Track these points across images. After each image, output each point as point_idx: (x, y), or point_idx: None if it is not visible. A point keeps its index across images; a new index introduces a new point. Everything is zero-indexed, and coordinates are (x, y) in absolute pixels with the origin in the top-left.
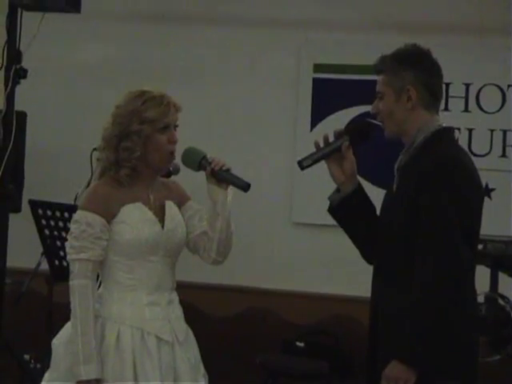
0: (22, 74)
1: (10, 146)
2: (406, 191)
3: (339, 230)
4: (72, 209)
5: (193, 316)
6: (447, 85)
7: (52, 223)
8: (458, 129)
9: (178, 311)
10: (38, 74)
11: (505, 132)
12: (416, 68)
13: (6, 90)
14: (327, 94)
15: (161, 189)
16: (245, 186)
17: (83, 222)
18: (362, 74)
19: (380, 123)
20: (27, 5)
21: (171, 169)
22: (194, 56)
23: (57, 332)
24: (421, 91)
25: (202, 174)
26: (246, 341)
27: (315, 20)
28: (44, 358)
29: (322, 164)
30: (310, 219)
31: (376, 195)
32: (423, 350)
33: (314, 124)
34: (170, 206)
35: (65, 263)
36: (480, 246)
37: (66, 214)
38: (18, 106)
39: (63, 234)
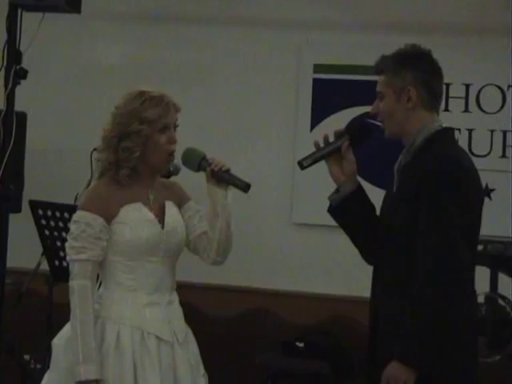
0: (22, 74)
1: (10, 146)
2: (406, 192)
3: (339, 230)
4: (72, 209)
5: (193, 316)
6: (447, 85)
7: (52, 223)
8: (458, 129)
9: (178, 311)
10: (38, 75)
11: (505, 132)
12: (416, 68)
13: (6, 90)
14: (327, 95)
15: (161, 189)
16: (244, 187)
17: (83, 222)
18: (362, 74)
19: (380, 123)
20: (27, 5)
21: (171, 169)
22: (195, 56)
23: (57, 332)
24: (421, 92)
25: (202, 175)
26: (245, 341)
27: (315, 21)
28: (44, 358)
29: (323, 164)
30: (310, 220)
31: (376, 195)
32: (422, 350)
33: (314, 124)
34: (170, 207)
35: (65, 263)
36: (480, 247)
37: (66, 215)
38: (18, 107)
39: (63, 234)
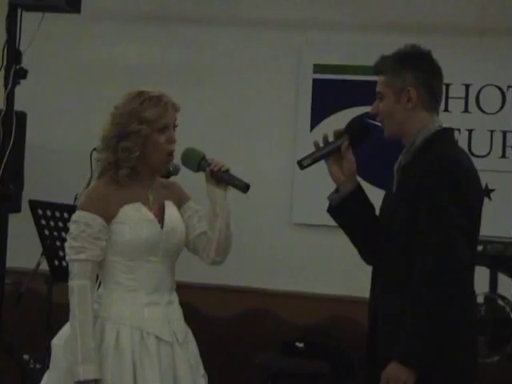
0: (21, 74)
1: (10, 146)
2: (406, 192)
3: (339, 230)
4: (72, 209)
5: (192, 316)
6: (447, 86)
7: (52, 223)
8: (458, 129)
9: (177, 311)
10: (37, 75)
11: (504, 133)
12: (416, 69)
13: (5, 90)
14: (327, 95)
15: (160, 189)
16: (244, 187)
17: (82, 222)
18: (361, 74)
19: (379, 123)
20: (27, 5)
21: (171, 169)
22: (194, 56)
23: (56, 332)
24: (421, 92)
25: (201, 175)
26: (245, 341)
27: (315, 21)
28: (43, 358)
29: (322, 165)
30: (310, 220)
31: (375, 196)
32: (422, 350)
33: (313, 124)
34: (170, 207)
35: (64, 263)
36: (479, 247)
37: (66, 215)
38: (17, 106)
39: (63, 234)
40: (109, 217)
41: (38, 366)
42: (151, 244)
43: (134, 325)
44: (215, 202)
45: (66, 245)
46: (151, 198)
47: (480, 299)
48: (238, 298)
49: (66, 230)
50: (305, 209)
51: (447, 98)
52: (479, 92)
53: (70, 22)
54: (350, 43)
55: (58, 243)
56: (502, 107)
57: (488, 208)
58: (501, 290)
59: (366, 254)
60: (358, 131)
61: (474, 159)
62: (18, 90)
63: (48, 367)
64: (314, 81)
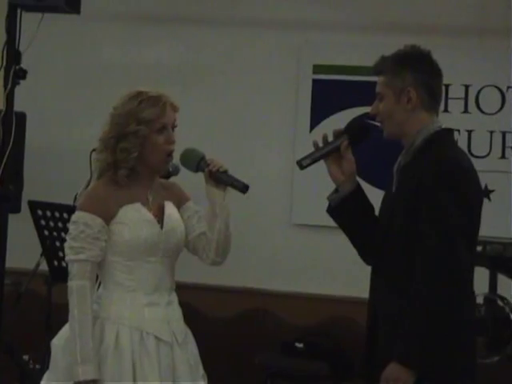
0: (21, 74)
1: (10, 146)
2: (406, 192)
3: (339, 231)
4: (71, 209)
5: (192, 317)
6: (447, 86)
7: (51, 224)
8: (458, 130)
9: (177, 312)
10: (37, 75)
11: (504, 133)
12: (416, 69)
13: (5, 90)
14: (327, 95)
15: (160, 189)
16: (242, 188)
17: (81, 222)
18: (361, 75)
19: (379, 124)
20: (27, 5)
21: (171, 169)
22: (194, 57)
23: (56, 332)
24: (421, 93)
25: (201, 175)
26: (245, 342)
27: (315, 21)
28: (43, 358)
29: (322, 165)
30: (309, 220)
31: (375, 196)
32: (422, 351)
33: (313, 125)
34: (169, 207)
35: (64, 264)
36: (479, 248)
37: (66, 215)
38: (17, 107)
39: (62, 234)
40: (108, 217)
41: (37, 366)
42: (151, 244)
43: (133, 325)
44: (214, 202)
45: (66, 245)
46: (151, 199)
47: (479, 300)
48: (237, 298)
49: (66, 230)
50: (304, 209)
51: (447, 98)
52: (479, 93)
53: (69, 23)
54: (349, 44)
55: (58, 243)
56: (501, 108)
57: (487, 209)
58: (500, 291)
59: (366, 255)
60: (357, 131)
61: (473, 160)
62: (17, 90)
63: (48, 367)
64: (314, 81)
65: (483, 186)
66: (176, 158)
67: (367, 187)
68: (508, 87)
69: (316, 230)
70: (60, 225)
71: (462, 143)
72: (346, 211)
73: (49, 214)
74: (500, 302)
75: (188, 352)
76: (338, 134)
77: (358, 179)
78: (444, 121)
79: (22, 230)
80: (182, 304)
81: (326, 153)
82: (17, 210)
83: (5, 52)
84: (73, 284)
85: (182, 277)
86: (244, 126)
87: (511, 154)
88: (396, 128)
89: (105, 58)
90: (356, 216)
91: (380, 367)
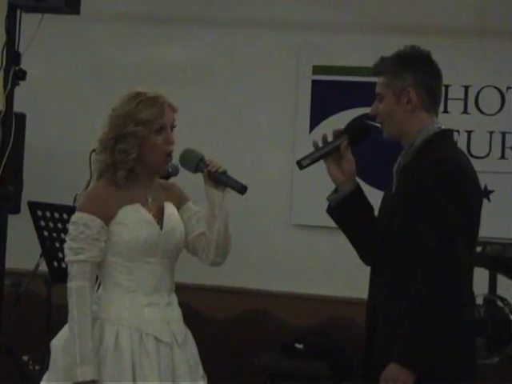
0: (21, 75)
1: (9, 147)
2: (405, 193)
3: (339, 231)
4: (71, 210)
5: (192, 317)
6: (446, 87)
7: (51, 225)
8: (457, 131)
9: (177, 313)
10: (37, 76)
11: (504, 134)
12: (416, 70)
13: (5, 91)
14: (326, 96)
15: (159, 190)
16: (241, 189)
17: (81, 223)
18: (361, 75)
19: (378, 125)
20: (27, 6)
21: (170, 170)
22: (193, 58)
23: (55, 333)
24: (421, 93)
25: (200, 176)
26: (244, 342)
27: (314, 22)
28: (43, 359)
29: (322, 166)
30: (309, 221)
31: (374, 197)
32: (421, 351)
33: (313, 126)
34: (169, 208)
35: (63, 265)
36: (479, 248)
37: (65, 216)
38: (16, 108)
39: (62, 235)
40: (108, 218)
41: (37, 367)
42: (150, 245)
43: (133, 326)
44: (213, 203)
45: (65, 246)
46: (150, 199)
47: (479, 300)
48: (237, 299)
49: (65, 231)
50: (304, 210)
51: (446, 99)
52: (478, 93)
53: (69, 24)
54: (349, 44)
55: (57, 244)
56: (501, 108)
57: (487, 209)
58: (500, 292)
59: (365, 255)
60: (357, 131)
61: (473, 160)
62: (17, 91)
63: (47, 368)
64: (313, 82)
65: (483, 187)
66: (175, 159)
67: (367, 188)
68: (508, 88)
69: (316, 230)
70: (60, 225)
71: (462, 144)
72: (346, 211)
73: (48, 214)
74: (500, 303)
75: (188, 353)
76: (337, 134)
77: (358, 180)
78: (444, 121)
79: (21, 231)
80: (181, 304)
81: (325, 153)
82: (16, 210)
83: (4, 53)
84: (72, 285)
85: (182, 277)
86: (244, 127)
87: (511, 155)
88: (396, 128)
89: (104, 58)
90: (355, 216)
91: (379, 367)
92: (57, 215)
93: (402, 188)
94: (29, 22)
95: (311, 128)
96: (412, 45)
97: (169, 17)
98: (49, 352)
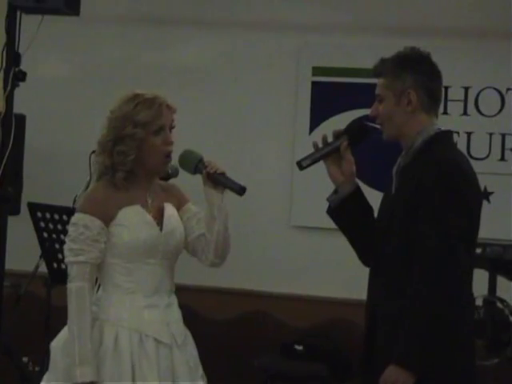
0: (20, 76)
1: (9, 148)
2: (405, 194)
3: (338, 233)
4: (71, 211)
5: (191, 319)
6: (446, 88)
7: (51, 226)
8: (457, 132)
9: (176, 314)
10: (36, 77)
11: (503, 135)
12: (417, 71)
13: (4, 92)
14: (326, 97)
15: (159, 191)
16: (240, 190)
17: (81, 224)
18: (360, 77)
19: (378, 126)
20: (26, 7)
21: (170, 171)
22: (193, 59)
23: (55, 335)
24: (421, 95)
25: (200, 177)
26: (244, 344)
27: (314, 23)
28: (42, 360)
29: (322, 168)
30: (308, 222)
31: (374, 198)
32: (421, 353)
33: (312, 127)
34: (169, 209)
35: (63, 266)
36: (478, 250)
37: (65, 217)
38: (16, 109)
39: (62, 236)
40: (107, 219)
41: (36, 368)
42: (150, 246)
43: (132, 327)
44: (213, 204)
45: (65, 247)
46: (150, 201)
47: (479, 302)
48: (236, 300)
49: (65, 232)
50: (303, 211)
51: (446, 100)
52: (478, 95)
53: (69, 25)
54: (348, 46)
55: (57, 246)
56: (500, 110)
57: (487, 211)
58: (500, 293)
59: (365, 256)
60: (357, 131)
61: (472, 162)
62: (17, 92)
63: (47, 369)
64: (313, 83)
65: (482, 188)
66: (175, 160)
67: (366, 189)
68: (507, 89)
69: (315, 231)
70: (59, 227)
71: (462, 145)
72: (346, 212)
73: (48, 216)
74: (499, 304)
75: (187, 354)
76: (337, 135)
77: (357, 181)
78: (443, 123)
79: (21, 232)
80: (181, 306)
81: (325, 153)
82: (16, 211)
83: (4, 54)
84: (72, 286)
85: (182, 279)
86: (243, 128)
87: (511, 156)
88: (395, 130)
89: (104, 59)
90: (355, 217)
91: (379, 368)
92: (56, 216)
93: (401, 189)
94: (29, 23)
95: (311, 129)
96: (412, 46)
97: (169, 18)
98: (48, 353)
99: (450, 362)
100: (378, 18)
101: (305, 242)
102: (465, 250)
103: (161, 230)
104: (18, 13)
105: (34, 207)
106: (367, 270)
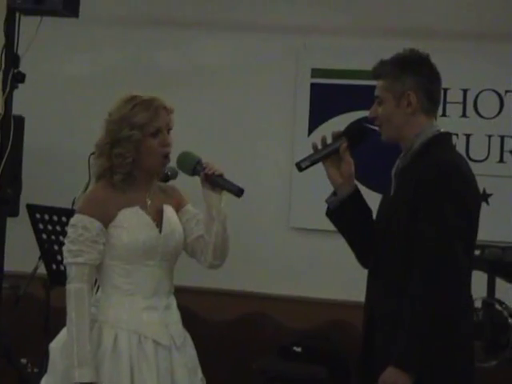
0: (19, 78)
1: (8, 150)
2: (404, 196)
3: (337, 235)
4: (69, 213)
5: (190, 320)
6: (445, 90)
7: (49, 227)
8: (456, 134)
9: (175, 315)
10: (35, 79)
11: (502, 137)
12: (417, 73)
13: (3, 94)
14: (325, 99)
15: (158, 193)
16: (237, 192)
17: (80, 225)
18: (359, 79)
19: (377, 128)
20: (25, 9)
21: (169, 173)
22: (192, 61)
23: (54, 336)
24: (421, 96)
25: (199, 178)
26: (243, 345)
27: (313, 25)
28: (41, 362)
29: (320, 170)
30: (307, 224)
31: (372, 200)
32: (419, 356)
33: (311, 129)
34: (168, 210)
35: (62, 267)
36: (477, 252)
37: (64, 219)
38: (15, 111)
39: (60, 238)
40: (107, 220)
41: (35, 370)
42: (149, 248)
43: (131, 329)
44: (211, 205)
45: (64, 248)
46: (149, 202)
47: (478, 304)
48: (235, 302)
49: (64, 234)
50: (302, 213)
51: (445, 102)
52: (477, 97)
53: (68, 27)
54: (348, 47)
55: (56, 247)
56: (499, 112)
57: (486, 213)
58: (498, 295)
59: (363, 258)
60: (356, 133)
61: (471, 164)
62: (15, 93)
63: (46, 371)
64: (312, 85)
65: (481, 190)
66: (174, 162)
67: (365, 190)
68: (506, 91)
69: (314, 233)
70: (58, 228)
71: (461, 147)
72: (345, 214)
73: (47, 217)
74: (498, 307)
75: (186, 355)
76: (336, 137)
77: (356, 183)
78: (442, 125)
79: (20, 234)
80: (180, 307)
81: (324, 155)
82: (15, 213)
83: (3, 55)
84: (71, 287)
85: (181, 280)
86: (242, 130)
87: (509, 159)
88: (394, 131)
89: (103, 61)
90: (354, 219)
91: (377, 369)
92: (55, 218)
93: (400, 191)
94: (28, 25)
95: (310, 131)
96: (411, 48)
97: (168, 20)
98: (47, 355)
99: (449, 363)
100: (377, 20)
101: (303, 243)
102: (464, 251)
103: (160, 231)
104: (17, 14)
105: (32, 209)
106: (366, 271)
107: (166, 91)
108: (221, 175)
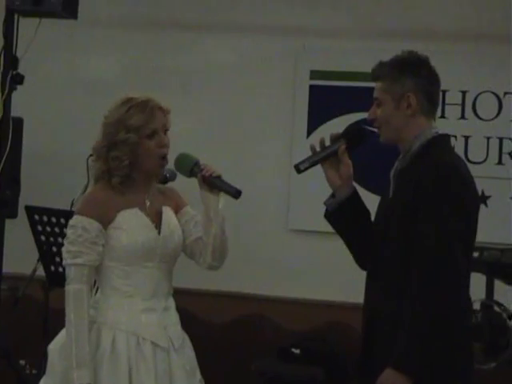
0: (18, 79)
1: (7, 151)
2: (403, 197)
3: (335, 236)
4: (68, 215)
5: (189, 322)
6: (444, 92)
7: (48, 229)
8: (455, 136)
9: (174, 317)
10: (34, 80)
11: (501, 139)
12: (416, 75)
13: (2, 95)
14: (324, 101)
15: (157, 195)
16: (235, 194)
17: (79, 226)
18: (358, 80)
19: (375, 130)
20: (24, 10)
21: (168, 175)
22: (191, 62)
23: (53, 337)
24: (420, 98)
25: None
26: (241, 347)
27: (312, 27)
28: (40, 363)
29: (319, 172)
30: (306, 226)
31: (371, 201)
32: (418, 357)
33: (310, 130)
34: (167, 212)
35: (61, 269)
36: (476, 254)
37: (63, 220)
38: (14, 112)
39: (59, 239)
40: (106, 222)
41: (34, 371)
42: (148, 249)
43: (130, 330)
44: (209, 207)
45: (63, 249)
46: (148, 204)
47: (476, 306)
48: (234, 303)
49: (63, 235)
50: (301, 215)
51: (444, 104)
52: (476, 98)
53: (66, 28)
54: (346, 49)
55: (55, 249)
56: (498, 114)
57: (484, 214)
58: (497, 297)
59: (362, 260)
60: (354, 135)
61: (470, 166)
62: (14, 95)
63: (44, 372)
64: (311, 87)
65: (480, 192)
66: (172, 164)
67: (363, 192)
68: (505, 93)
69: (312, 235)
70: (57, 230)
71: (459, 149)
72: (343, 216)
73: (46, 219)
74: (497, 308)
75: (185, 357)
76: (335, 139)
77: (355, 184)
78: (441, 127)
79: (18, 235)
80: (179, 309)
81: (323, 157)
82: (14, 215)
83: (2, 57)
84: (70, 288)
85: (180, 282)
86: (241, 131)
87: (508, 160)
88: (393, 133)
89: (102, 63)
90: (352, 221)
91: (376, 370)
92: (54, 220)
93: (399, 192)
94: (26, 27)
95: (308, 133)
96: (410, 50)
97: (167, 22)
98: (46, 356)
99: (448, 366)
100: (376, 22)
101: (302, 245)
102: (462, 253)
103: (159, 233)
104: (16, 16)
105: (31, 210)
106: (364, 273)
107: (165, 93)
108: (218, 177)
